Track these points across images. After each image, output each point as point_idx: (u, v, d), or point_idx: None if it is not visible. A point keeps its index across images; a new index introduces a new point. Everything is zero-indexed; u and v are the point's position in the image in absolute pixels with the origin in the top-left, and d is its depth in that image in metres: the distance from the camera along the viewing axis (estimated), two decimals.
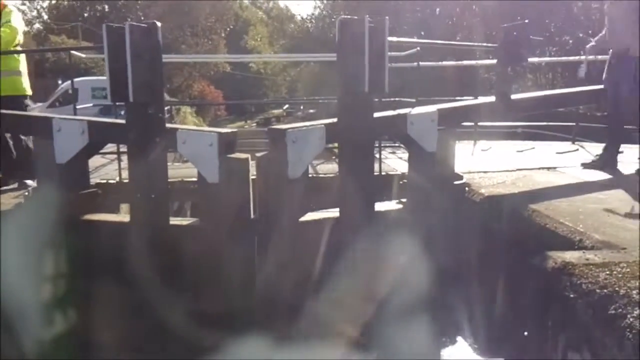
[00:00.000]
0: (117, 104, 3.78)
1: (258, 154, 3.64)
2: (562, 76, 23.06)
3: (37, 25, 36.25)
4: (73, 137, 3.78)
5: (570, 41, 21.37)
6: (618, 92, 4.54)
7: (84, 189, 4.05)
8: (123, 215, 4.19)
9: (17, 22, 4.86)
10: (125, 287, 3.66)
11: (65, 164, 3.83)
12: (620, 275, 2.34)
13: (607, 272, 2.39)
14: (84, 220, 3.88)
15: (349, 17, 3.56)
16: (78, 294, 3.86)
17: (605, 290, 2.26)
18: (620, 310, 2.15)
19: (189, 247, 3.69)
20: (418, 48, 5.34)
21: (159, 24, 3.49)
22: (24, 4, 35.68)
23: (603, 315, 2.20)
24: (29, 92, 4.82)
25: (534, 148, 6.61)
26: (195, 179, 4.11)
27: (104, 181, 4.73)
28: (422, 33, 21.27)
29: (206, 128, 3.78)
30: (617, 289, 2.24)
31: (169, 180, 4.50)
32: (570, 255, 2.62)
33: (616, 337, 2.12)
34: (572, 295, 2.35)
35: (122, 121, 3.79)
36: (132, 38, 3.39)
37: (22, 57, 4.84)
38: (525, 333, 2.87)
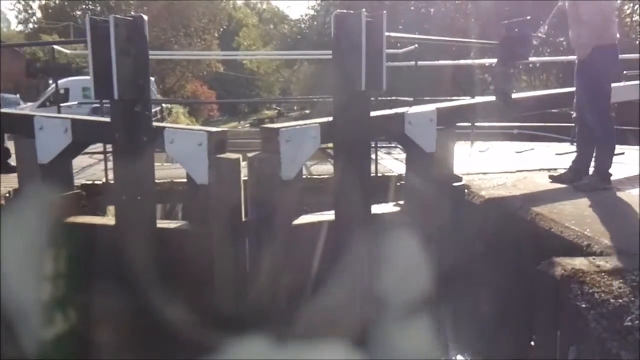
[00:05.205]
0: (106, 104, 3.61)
1: (250, 154, 3.48)
2: (556, 78, 23.03)
3: (30, 25, 36.09)
4: (56, 136, 3.61)
5: (565, 42, 21.30)
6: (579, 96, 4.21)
7: (68, 190, 3.88)
8: (108, 218, 4.01)
9: None
10: (111, 293, 3.51)
11: (47, 164, 3.66)
12: (634, 284, 2.20)
13: (621, 281, 2.24)
14: (67, 223, 3.71)
15: (345, 11, 3.40)
16: (61, 298, 3.69)
17: (620, 300, 2.11)
18: (637, 321, 2.00)
19: (177, 251, 3.53)
20: (416, 45, 5.19)
21: (145, 17, 3.32)
22: (19, 2, 35.50)
23: (618, 326, 2.06)
24: None
25: (533, 149, 6.49)
26: (185, 180, 3.95)
27: (90, 182, 4.54)
28: (417, 33, 21.13)
29: (195, 127, 3.62)
30: (632, 298, 2.10)
31: (158, 181, 4.35)
32: (580, 262, 2.48)
33: (632, 350, 1.98)
34: (583, 305, 2.20)
35: (107, 119, 3.61)
36: (117, 32, 3.22)
37: None
38: (532, 343, 2.72)
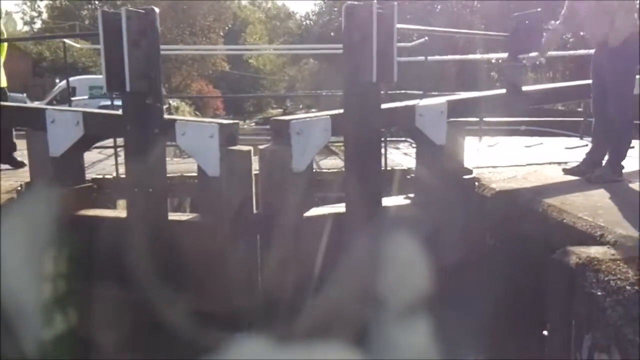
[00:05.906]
0: (115, 103, 3.61)
1: (261, 146, 3.49)
2: (562, 75, 22.96)
3: (37, 25, 36.31)
4: (67, 129, 3.62)
5: (571, 39, 21.24)
6: (603, 86, 4.18)
7: (79, 184, 3.89)
8: (119, 211, 4.02)
9: None
10: (122, 285, 3.52)
11: (59, 157, 3.68)
12: None
13: (636, 268, 2.24)
14: (79, 216, 3.73)
15: (355, 2, 3.40)
16: (72, 291, 3.70)
17: (636, 287, 2.11)
18: None
19: (188, 243, 3.54)
20: (426, 38, 5.18)
21: (157, 9, 3.32)
22: (25, 3, 35.68)
23: (634, 313, 2.05)
24: (5, 83, 4.75)
25: (542, 143, 6.47)
26: (195, 174, 3.96)
27: (100, 176, 4.56)
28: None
29: (206, 119, 3.62)
30: None
31: (168, 175, 4.36)
32: (595, 250, 2.47)
33: None
34: (599, 293, 2.20)
35: (119, 112, 3.63)
36: (129, 24, 3.23)
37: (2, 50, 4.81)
38: (545, 332, 2.71)
